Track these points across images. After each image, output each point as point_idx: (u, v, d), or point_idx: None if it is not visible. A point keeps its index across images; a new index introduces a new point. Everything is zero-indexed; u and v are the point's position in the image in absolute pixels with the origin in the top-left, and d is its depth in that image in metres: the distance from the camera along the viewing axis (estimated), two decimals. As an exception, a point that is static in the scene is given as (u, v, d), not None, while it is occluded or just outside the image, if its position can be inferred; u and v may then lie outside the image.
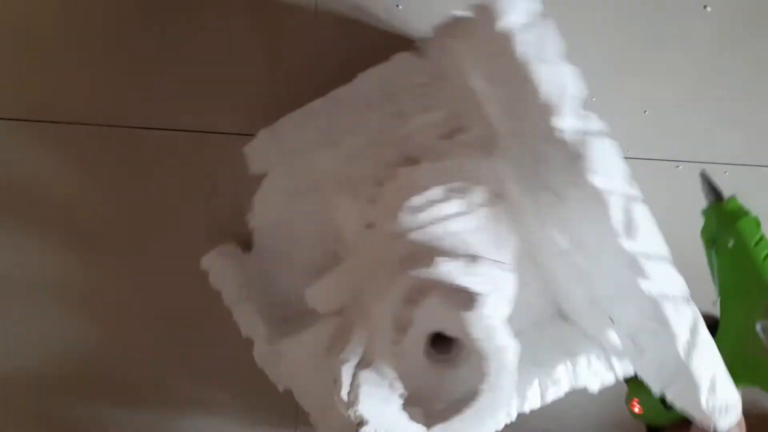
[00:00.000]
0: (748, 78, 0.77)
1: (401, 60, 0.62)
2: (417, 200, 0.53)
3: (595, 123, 0.48)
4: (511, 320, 0.54)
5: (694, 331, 0.48)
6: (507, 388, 0.48)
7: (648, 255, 0.47)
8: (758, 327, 0.52)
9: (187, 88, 0.68)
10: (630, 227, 0.46)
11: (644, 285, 0.47)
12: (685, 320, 0.47)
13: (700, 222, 0.59)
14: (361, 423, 0.53)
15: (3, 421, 0.77)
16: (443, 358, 0.53)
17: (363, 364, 0.54)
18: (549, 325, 0.66)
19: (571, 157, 0.46)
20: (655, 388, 0.53)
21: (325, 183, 0.63)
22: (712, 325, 0.53)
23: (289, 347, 0.64)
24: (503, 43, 0.48)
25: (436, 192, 0.54)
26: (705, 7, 0.75)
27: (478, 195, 0.54)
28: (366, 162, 0.60)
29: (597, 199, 0.46)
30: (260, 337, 0.66)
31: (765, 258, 0.54)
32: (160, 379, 0.78)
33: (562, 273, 0.59)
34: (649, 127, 0.76)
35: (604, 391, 0.65)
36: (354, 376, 0.53)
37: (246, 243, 0.71)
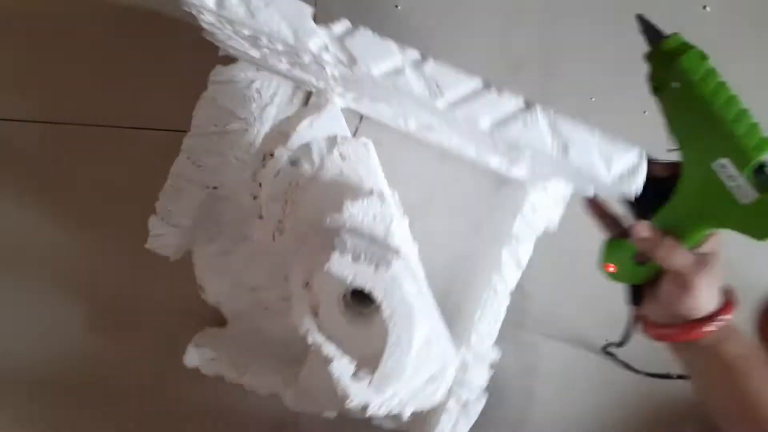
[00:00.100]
0: (748, 78, 0.76)
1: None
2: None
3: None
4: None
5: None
6: (413, 347, 0.46)
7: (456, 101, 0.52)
8: (716, 165, 0.50)
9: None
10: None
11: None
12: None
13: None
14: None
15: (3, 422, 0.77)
16: (361, 314, 0.52)
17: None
18: (492, 196, 0.71)
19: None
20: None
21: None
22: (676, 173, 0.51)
23: (306, 378, 0.67)
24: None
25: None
26: (704, 7, 0.75)
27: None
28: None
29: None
30: (281, 387, 0.70)
31: (714, 91, 0.52)
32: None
33: (448, 142, 0.64)
34: (649, 127, 0.75)
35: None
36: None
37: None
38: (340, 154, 0.58)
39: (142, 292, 0.78)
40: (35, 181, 0.74)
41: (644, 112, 0.76)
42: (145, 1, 0.74)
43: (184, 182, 0.68)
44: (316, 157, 0.58)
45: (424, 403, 0.55)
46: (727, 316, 0.51)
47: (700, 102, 0.52)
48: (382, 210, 0.53)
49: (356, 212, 0.52)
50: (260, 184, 0.63)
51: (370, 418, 0.73)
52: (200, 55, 0.67)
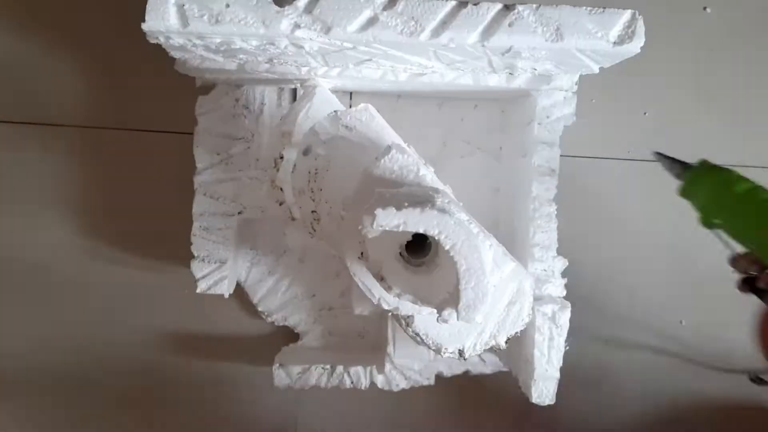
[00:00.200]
0: (749, 79, 0.77)
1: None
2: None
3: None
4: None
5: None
6: (485, 267, 0.45)
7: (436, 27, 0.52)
8: None
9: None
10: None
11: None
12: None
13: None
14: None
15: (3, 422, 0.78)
16: (423, 263, 0.51)
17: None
18: (502, 119, 0.71)
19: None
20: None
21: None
22: None
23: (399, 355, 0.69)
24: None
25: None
26: (705, 8, 0.75)
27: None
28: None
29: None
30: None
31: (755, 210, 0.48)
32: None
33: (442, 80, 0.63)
34: (649, 128, 0.77)
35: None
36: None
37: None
38: (346, 126, 0.58)
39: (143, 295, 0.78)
40: (36, 181, 0.75)
41: (644, 113, 0.76)
42: None
43: (210, 218, 0.68)
44: (324, 138, 0.58)
45: (513, 327, 0.54)
46: None
47: (748, 232, 0.49)
48: (405, 159, 0.53)
49: (382, 170, 0.52)
50: (281, 189, 0.64)
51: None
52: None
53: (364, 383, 0.71)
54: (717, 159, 0.76)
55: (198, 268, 0.68)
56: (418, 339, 0.55)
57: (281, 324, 0.75)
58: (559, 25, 0.51)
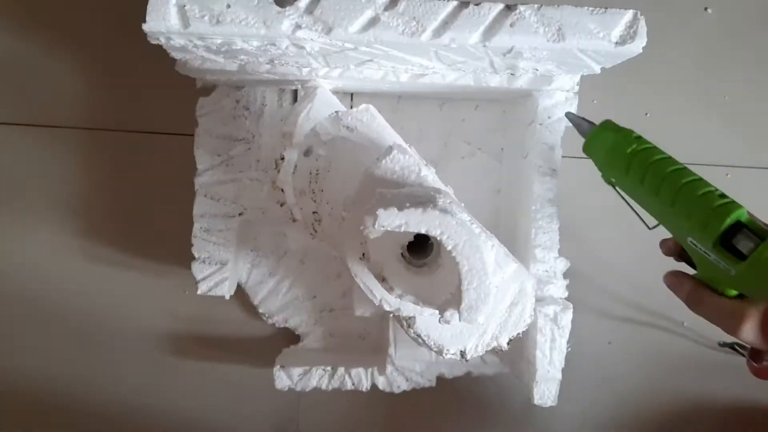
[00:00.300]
0: (750, 80, 0.78)
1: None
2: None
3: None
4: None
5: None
6: (487, 268, 0.45)
7: (438, 27, 0.52)
8: (690, 243, 0.47)
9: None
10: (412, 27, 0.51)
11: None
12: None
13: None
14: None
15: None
16: (425, 264, 0.51)
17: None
18: (503, 120, 0.71)
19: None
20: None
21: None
22: None
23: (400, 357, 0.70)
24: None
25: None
26: (706, 9, 0.75)
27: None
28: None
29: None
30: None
31: (649, 177, 0.49)
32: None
33: (444, 81, 0.62)
34: (650, 129, 0.76)
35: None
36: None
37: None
38: (347, 127, 0.58)
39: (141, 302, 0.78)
40: (36, 183, 0.75)
41: (645, 114, 0.76)
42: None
43: (211, 220, 0.68)
44: (325, 139, 0.58)
45: (515, 328, 0.54)
46: None
47: (640, 192, 0.51)
48: (406, 160, 0.52)
49: (383, 171, 0.52)
50: (282, 190, 0.64)
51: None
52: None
53: (366, 385, 0.71)
54: (718, 160, 0.79)
55: (198, 270, 0.68)
56: (420, 340, 0.54)
57: (282, 325, 0.75)
58: (560, 26, 0.51)
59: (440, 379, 0.73)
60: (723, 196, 0.47)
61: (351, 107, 0.70)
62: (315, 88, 0.64)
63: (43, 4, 0.73)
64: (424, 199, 0.47)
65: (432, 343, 0.54)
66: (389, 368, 0.70)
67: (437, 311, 0.47)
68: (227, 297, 0.69)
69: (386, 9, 0.50)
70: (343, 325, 0.75)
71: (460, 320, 0.45)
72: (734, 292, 0.48)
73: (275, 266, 0.74)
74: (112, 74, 0.74)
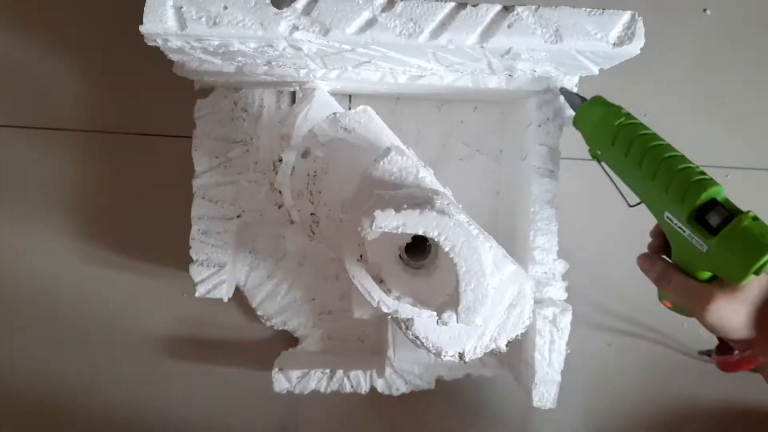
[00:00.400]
0: (749, 81, 0.78)
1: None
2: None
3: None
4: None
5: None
6: (485, 269, 0.45)
7: (435, 29, 0.52)
8: (666, 219, 0.49)
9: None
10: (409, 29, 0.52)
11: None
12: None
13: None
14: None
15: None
16: (423, 266, 0.51)
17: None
18: (502, 121, 0.71)
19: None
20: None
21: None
22: None
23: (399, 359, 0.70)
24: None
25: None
26: (705, 10, 0.75)
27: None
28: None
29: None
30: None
31: (632, 151, 0.52)
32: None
33: (442, 82, 0.63)
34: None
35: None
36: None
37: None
38: (345, 128, 0.57)
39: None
40: (34, 185, 0.75)
41: (644, 115, 0.76)
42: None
43: (209, 222, 0.68)
44: (323, 140, 0.57)
45: (514, 330, 0.54)
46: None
47: (624, 164, 0.52)
48: (404, 161, 0.52)
49: (381, 172, 0.52)
50: (280, 192, 0.64)
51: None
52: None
53: (364, 387, 0.71)
54: (718, 161, 0.78)
55: (197, 272, 0.68)
56: (418, 342, 0.54)
57: (280, 328, 0.75)
58: (558, 27, 0.51)
59: (439, 381, 0.73)
60: (702, 173, 0.48)
61: (349, 109, 0.70)
62: (313, 89, 0.64)
63: (41, 6, 0.73)
64: (421, 200, 0.47)
65: (430, 345, 0.53)
66: (388, 370, 0.69)
67: (435, 313, 0.47)
68: (225, 299, 0.69)
69: (383, 10, 0.50)
70: (342, 328, 0.74)
71: (457, 322, 0.45)
72: (706, 275, 0.48)
73: (274, 268, 0.74)
74: (109, 76, 0.74)
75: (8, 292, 0.75)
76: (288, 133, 0.61)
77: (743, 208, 0.47)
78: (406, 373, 0.71)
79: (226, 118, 0.69)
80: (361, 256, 0.50)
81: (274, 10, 0.50)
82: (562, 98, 0.61)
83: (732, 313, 0.46)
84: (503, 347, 0.54)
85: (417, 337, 0.54)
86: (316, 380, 0.69)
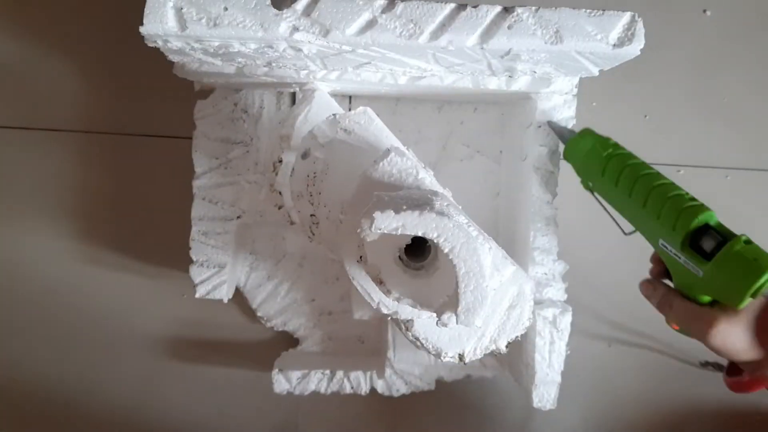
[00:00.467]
0: (749, 81, 0.78)
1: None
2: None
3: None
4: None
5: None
6: (485, 270, 0.45)
7: (435, 29, 0.52)
8: (662, 246, 0.49)
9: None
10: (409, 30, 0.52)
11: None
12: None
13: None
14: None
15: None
16: (422, 267, 0.51)
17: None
18: (502, 122, 0.71)
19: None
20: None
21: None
22: None
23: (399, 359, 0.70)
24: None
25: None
26: (705, 11, 0.75)
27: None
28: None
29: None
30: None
31: (622, 181, 0.53)
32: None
33: (442, 84, 0.63)
34: (650, 131, 0.77)
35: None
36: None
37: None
38: (344, 130, 0.57)
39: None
40: (34, 186, 0.75)
41: (645, 116, 0.76)
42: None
43: (209, 223, 0.68)
44: (323, 141, 0.57)
45: (514, 331, 0.54)
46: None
47: (615, 194, 0.53)
48: (404, 163, 0.52)
49: (381, 174, 0.52)
50: (280, 193, 0.64)
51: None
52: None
53: (364, 388, 0.71)
54: (718, 162, 0.78)
55: (197, 273, 0.68)
56: (418, 343, 0.54)
57: (281, 329, 0.75)
58: (558, 28, 0.51)
59: (439, 382, 0.73)
60: (693, 199, 0.49)
61: (349, 110, 0.70)
62: (313, 90, 0.64)
63: (41, 7, 0.73)
64: (421, 201, 0.47)
65: (430, 346, 0.53)
66: (388, 371, 0.69)
67: (435, 314, 0.47)
68: (225, 300, 0.69)
69: (383, 11, 0.50)
70: (342, 328, 0.74)
71: (457, 323, 0.45)
72: (707, 299, 0.48)
73: (274, 269, 0.74)
74: (109, 77, 0.74)
75: (8, 293, 0.75)
76: (288, 134, 0.61)
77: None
78: (406, 374, 0.71)
79: (226, 119, 0.69)
80: (360, 257, 0.50)
81: (275, 11, 0.50)
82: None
83: (735, 335, 0.46)
84: (503, 348, 0.54)
85: (417, 338, 0.54)
86: (317, 381, 0.69)
